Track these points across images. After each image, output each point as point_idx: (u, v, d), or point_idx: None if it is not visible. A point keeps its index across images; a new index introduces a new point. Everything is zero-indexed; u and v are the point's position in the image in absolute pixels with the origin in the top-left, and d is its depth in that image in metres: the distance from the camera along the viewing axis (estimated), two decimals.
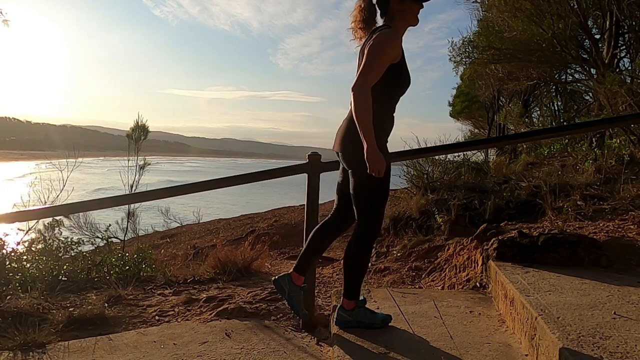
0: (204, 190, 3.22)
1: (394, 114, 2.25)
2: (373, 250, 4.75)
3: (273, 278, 2.44)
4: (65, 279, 4.07)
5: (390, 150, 2.26)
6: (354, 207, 2.24)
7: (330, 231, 2.44)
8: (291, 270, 2.40)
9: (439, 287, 3.48)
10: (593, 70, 8.57)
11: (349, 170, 2.23)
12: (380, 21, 2.22)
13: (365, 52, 2.09)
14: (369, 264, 3.14)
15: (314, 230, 2.42)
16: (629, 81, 6.67)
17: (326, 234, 2.44)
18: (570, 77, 11.52)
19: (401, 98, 2.25)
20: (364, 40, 2.22)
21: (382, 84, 2.09)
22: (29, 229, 5.36)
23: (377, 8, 2.20)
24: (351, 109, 2.10)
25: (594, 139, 7.05)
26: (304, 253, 2.41)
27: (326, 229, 2.43)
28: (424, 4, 2.18)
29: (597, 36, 8.75)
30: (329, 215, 2.44)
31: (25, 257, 4.37)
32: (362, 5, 2.19)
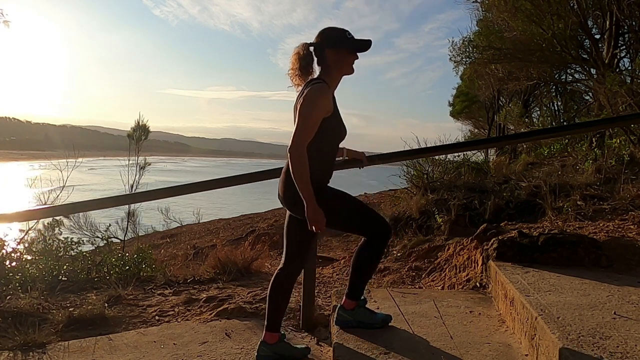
0: (203, 190, 3.22)
1: (334, 160, 2.31)
2: None
3: (255, 355, 2.32)
4: (65, 279, 4.07)
5: (390, 151, 2.28)
6: (349, 233, 2.27)
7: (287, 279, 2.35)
8: (263, 334, 2.32)
9: (439, 287, 3.48)
10: (593, 70, 8.57)
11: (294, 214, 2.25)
12: (317, 69, 2.24)
13: (298, 110, 2.13)
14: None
15: (271, 283, 2.31)
16: (629, 81, 6.68)
17: (285, 283, 2.34)
18: (570, 77, 11.52)
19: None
20: (300, 88, 2.24)
21: (317, 139, 2.13)
22: (29, 229, 5.36)
23: (314, 56, 2.22)
24: (287, 162, 2.17)
25: (594, 139, 7.05)
26: (270, 308, 2.30)
27: (282, 278, 2.33)
28: (358, 54, 2.22)
29: (597, 36, 8.75)
30: (281, 264, 2.35)
31: (25, 257, 4.37)
32: (300, 54, 2.20)
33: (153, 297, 3.73)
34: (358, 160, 2.70)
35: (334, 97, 2.22)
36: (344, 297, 2.40)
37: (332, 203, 2.17)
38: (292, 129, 2.13)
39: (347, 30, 2.22)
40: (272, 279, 2.33)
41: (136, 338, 2.84)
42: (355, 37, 2.21)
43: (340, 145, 2.45)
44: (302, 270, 2.63)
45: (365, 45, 2.21)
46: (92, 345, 2.73)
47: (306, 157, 2.06)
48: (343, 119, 2.28)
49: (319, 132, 2.13)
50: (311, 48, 2.21)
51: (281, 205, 2.32)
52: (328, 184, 2.29)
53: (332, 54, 2.18)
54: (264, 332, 2.32)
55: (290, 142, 2.08)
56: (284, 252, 2.34)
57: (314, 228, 2.09)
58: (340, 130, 2.25)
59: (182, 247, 9.08)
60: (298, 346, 2.44)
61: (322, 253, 5.76)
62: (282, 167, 2.28)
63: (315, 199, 2.06)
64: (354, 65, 2.23)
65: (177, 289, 3.92)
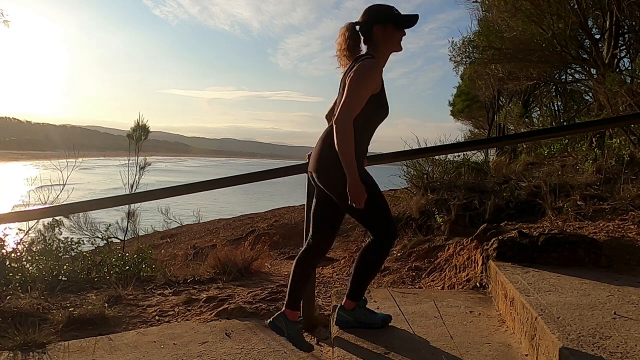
0: (204, 190, 3.23)
1: (370, 138, 2.29)
2: None
3: (268, 321, 2.38)
4: (65, 279, 4.07)
5: (390, 150, 2.28)
6: (360, 224, 2.27)
7: (311, 257, 2.38)
8: (283, 308, 2.35)
9: (439, 287, 3.48)
10: (593, 70, 8.57)
11: (331, 195, 2.21)
12: (364, 48, 2.22)
13: (347, 83, 2.10)
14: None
15: (295, 263, 2.35)
16: (629, 81, 6.67)
17: (307, 264, 2.38)
18: (570, 77, 11.52)
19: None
20: (346, 67, 2.23)
21: (362, 114, 2.11)
22: (29, 229, 5.36)
23: (361, 35, 2.21)
24: (326, 131, 2.16)
25: (594, 139, 7.05)
26: (291, 287, 2.34)
27: (305, 258, 2.37)
28: (406, 30, 2.20)
29: (597, 36, 8.75)
30: (306, 243, 2.37)
31: (25, 257, 4.37)
32: (347, 34, 2.19)
33: (153, 297, 3.73)
34: None
35: (382, 75, 2.18)
36: (345, 297, 2.40)
37: (365, 184, 2.11)
38: (340, 101, 2.11)
39: (392, 7, 2.18)
40: (295, 262, 2.33)
41: (136, 338, 2.84)
42: (402, 13, 2.18)
43: None
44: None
45: (412, 20, 2.18)
46: (92, 345, 2.73)
47: (352, 129, 2.03)
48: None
49: (365, 108, 2.10)
50: (357, 27, 2.20)
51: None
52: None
53: (379, 30, 2.16)
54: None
55: (337, 113, 2.05)
56: (311, 234, 2.31)
57: (354, 203, 2.04)
58: (384, 109, 2.22)
59: (182, 247, 9.07)
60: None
61: None
62: (278, 167, 2.28)
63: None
64: (401, 43, 2.20)
65: (177, 289, 3.93)
